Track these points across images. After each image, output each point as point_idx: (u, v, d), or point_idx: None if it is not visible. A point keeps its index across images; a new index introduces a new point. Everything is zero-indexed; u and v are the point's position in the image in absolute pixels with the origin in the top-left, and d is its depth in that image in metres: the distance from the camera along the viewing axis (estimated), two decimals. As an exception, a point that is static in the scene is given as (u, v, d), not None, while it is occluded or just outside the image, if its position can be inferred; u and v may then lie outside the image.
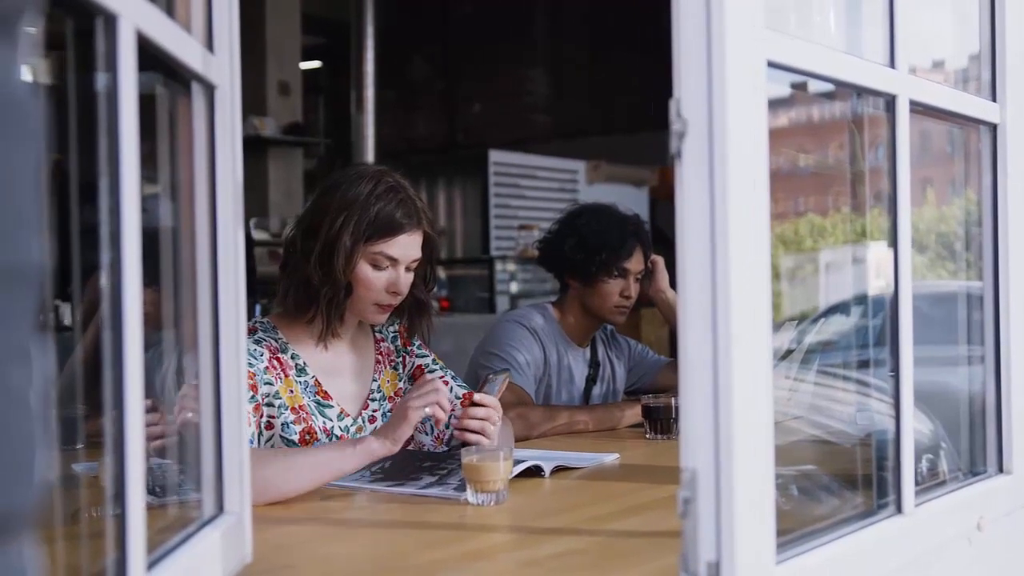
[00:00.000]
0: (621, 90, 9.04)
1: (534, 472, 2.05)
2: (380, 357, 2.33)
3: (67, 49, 1.00)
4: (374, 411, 2.28)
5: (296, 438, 2.11)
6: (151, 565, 1.05)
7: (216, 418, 1.32)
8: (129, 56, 0.98)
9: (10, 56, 0.51)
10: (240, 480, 1.35)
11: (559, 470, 2.12)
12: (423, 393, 1.96)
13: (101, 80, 0.97)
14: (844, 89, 1.53)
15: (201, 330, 1.32)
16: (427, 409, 1.94)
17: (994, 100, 1.74)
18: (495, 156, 7.96)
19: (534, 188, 8.06)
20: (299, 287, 2.16)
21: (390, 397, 2.31)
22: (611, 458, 2.29)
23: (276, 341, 2.17)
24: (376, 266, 2.15)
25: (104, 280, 0.97)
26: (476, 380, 2.88)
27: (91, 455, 1.23)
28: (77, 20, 0.97)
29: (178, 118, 1.30)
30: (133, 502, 0.97)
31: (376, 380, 2.30)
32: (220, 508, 1.32)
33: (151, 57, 1.07)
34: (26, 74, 0.53)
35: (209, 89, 1.30)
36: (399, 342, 2.37)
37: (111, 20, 0.96)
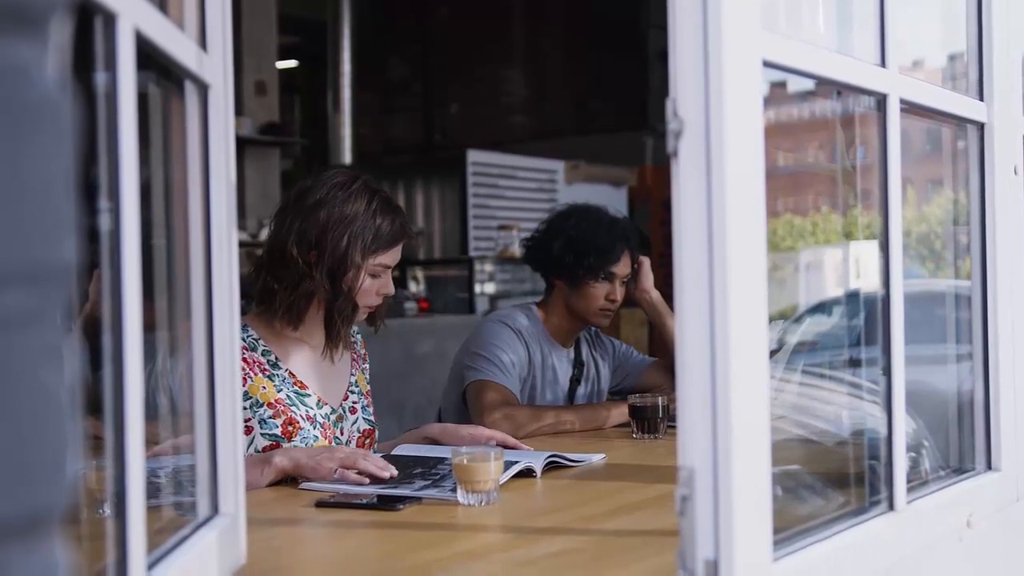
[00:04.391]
0: (599, 90, 9.06)
1: (525, 472, 2.05)
2: (355, 355, 2.39)
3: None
4: (354, 403, 2.31)
5: (279, 431, 2.12)
6: (150, 566, 1.04)
7: (211, 420, 1.31)
8: (128, 55, 0.97)
9: (41, 55, 0.50)
10: (235, 482, 1.34)
11: (552, 468, 2.13)
12: (352, 462, 1.97)
13: (99, 79, 0.96)
14: (828, 87, 1.54)
15: (195, 332, 1.31)
16: (336, 472, 1.95)
17: (981, 99, 1.75)
18: (473, 156, 7.95)
19: (513, 188, 8.06)
20: (303, 299, 2.18)
21: (366, 393, 2.37)
22: (598, 458, 2.29)
23: (245, 340, 2.18)
24: (374, 276, 2.21)
25: (104, 280, 0.96)
26: (460, 380, 2.87)
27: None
28: (74, 19, 0.96)
29: (170, 117, 1.29)
30: (134, 505, 0.96)
31: (353, 375, 2.36)
32: (215, 510, 1.32)
33: (145, 56, 1.06)
34: (57, 73, 0.53)
35: (203, 88, 1.29)
36: (363, 351, 2.44)
37: (110, 19, 0.95)
